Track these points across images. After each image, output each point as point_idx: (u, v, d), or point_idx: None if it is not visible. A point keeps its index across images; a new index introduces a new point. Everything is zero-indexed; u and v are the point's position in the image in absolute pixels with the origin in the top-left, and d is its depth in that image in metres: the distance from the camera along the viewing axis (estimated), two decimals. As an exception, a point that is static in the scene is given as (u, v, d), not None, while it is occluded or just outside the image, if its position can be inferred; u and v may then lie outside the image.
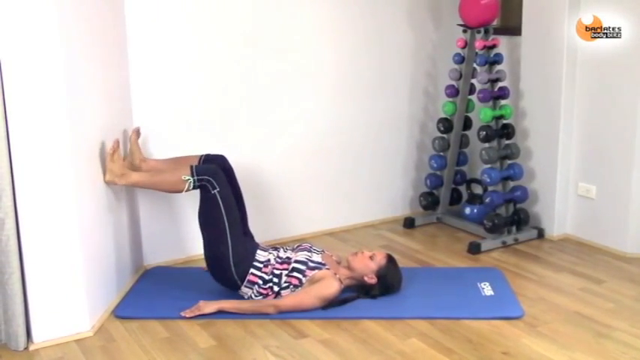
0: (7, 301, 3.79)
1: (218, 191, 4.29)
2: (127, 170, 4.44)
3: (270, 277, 4.40)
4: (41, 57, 3.63)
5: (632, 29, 5.08)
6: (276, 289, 4.39)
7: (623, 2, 5.10)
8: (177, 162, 4.67)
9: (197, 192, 4.36)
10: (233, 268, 4.35)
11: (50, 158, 3.74)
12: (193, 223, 4.76)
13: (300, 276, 4.38)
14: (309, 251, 4.59)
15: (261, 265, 4.42)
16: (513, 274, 4.98)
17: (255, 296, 4.40)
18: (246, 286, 4.39)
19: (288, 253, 4.55)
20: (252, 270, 4.39)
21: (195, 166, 4.37)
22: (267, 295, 4.40)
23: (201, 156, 4.68)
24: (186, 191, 4.33)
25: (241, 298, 4.45)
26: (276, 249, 4.64)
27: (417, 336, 4.04)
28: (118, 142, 4.32)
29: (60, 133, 3.74)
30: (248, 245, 4.54)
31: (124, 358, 3.83)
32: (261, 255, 4.49)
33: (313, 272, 4.40)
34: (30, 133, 3.66)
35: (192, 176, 4.28)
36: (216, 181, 4.30)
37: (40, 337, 3.92)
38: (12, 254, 3.71)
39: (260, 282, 4.39)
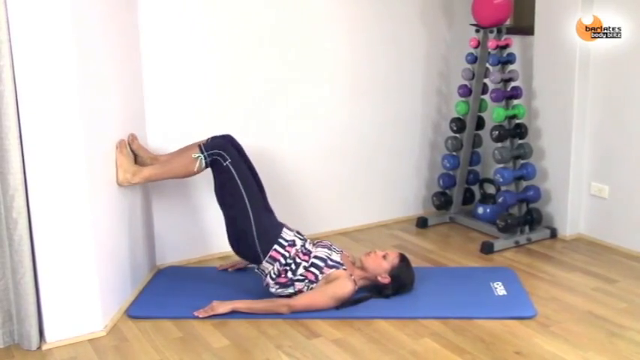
0: (20, 301, 3.81)
1: (230, 162, 4.30)
2: (138, 167, 4.45)
3: (291, 261, 4.40)
4: (53, 55, 3.64)
5: (634, 29, 5.09)
6: (290, 275, 4.38)
7: (632, 2, 5.09)
8: (186, 148, 4.66)
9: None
10: (257, 241, 4.35)
11: (63, 157, 3.75)
12: (207, 223, 4.78)
13: (317, 272, 4.38)
14: (330, 249, 4.59)
15: (285, 244, 4.42)
16: (526, 274, 4.97)
17: (274, 274, 4.39)
18: (267, 261, 4.38)
19: (310, 247, 4.56)
20: (276, 246, 4.39)
21: (203, 143, 4.39)
22: (281, 275, 4.39)
23: (208, 139, 4.67)
24: (198, 171, 4.36)
25: (261, 274, 4.46)
26: (302, 235, 4.64)
27: (430, 336, 4.03)
28: (124, 140, 4.31)
29: (73, 131, 3.75)
30: (272, 220, 4.56)
31: (136, 357, 3.83)
32: (287, 234, 4.50)
33: (330, 271, 4.40)
34: (42, 131, 3.68)
35: (202, 153, 4.30)
36: (226, 153, 4.32)
37: (52, 336, 3.93)
38: (25, 254, 3.73)
39: (281, 260, 4.38)
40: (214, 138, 4.62)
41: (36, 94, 3.63)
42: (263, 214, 4.44)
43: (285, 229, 4.53)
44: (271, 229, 4.45)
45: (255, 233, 4.35)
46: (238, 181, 4.32)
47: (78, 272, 3.92)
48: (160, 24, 4.90)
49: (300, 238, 4.57)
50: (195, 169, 4.36)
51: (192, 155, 4.32)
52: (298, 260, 4.42)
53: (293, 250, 4.43)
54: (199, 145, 4.37)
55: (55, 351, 3.89)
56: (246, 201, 4.34)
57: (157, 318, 4.29)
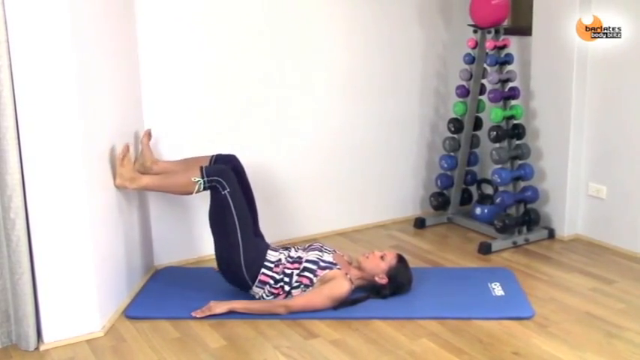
0: (18, 301, 3.80)
1: (228, 192, 4.29)
2: (137, 174, 4.45)
3: (282, 276, 4.39)
4: (52, 58, 3.64)
5: (635, 29, 5.10)
6: (287, 288, 4.39)
7: (632, 2, 5.09)
8: (187, 163, 4.66)
9: (208, 192, 4.37)
10: (244, 269, 4.35)
11: (61, 158, 3.75)
12: (204, 224, 4.76)
13: (311, 276, 4.38)
14: (321, 251, 4.58)
15: (272, 265, 4.42)
16: (524, 275, 4.97)
17: (267, 296, 4.40)
18: (257, 286, 4.39)
19: (300, 253, 4.55)
20: (263, 270, 4.39)
21: (205, 167, 4.37)
22: (278, 294, 4.40)
23: (212, 156, 4.68)
24: (196, 192, 4.33)
25: (252, 298, 4.45)
26: (286, 248, 4.63)
27: (428, 336, 4.04)
28: (128, 146, 4.34)
29: (71, 133, 3.75)
30: (259, 246, 4.54)
31: (134, 358, 3.83)
32: (271, 255, 4.48)
33: (324, 272, 4.39)
34: (41, 133, 3.68)
35: (202, 177, 4.29)
36: (226, 182, 4.30)
37: (50, 337, 3.93)
38: (22, 254, 3.73)
39: (271, 282, 4.38)
40: (218, 160, 4.65)
41: (34, 94, 3.63)
42: (252, 242, 4.43)
43: (269, 251, 4.51)
44: (257, 255, 4.44)
45: (242, 261, 4.35)
46: (233, 211, 4.32)
47: (76, 273, 3.92)
48: (158, 26, 4.90)
49: (284, 252, 4.56)
50: (193, 193, 4.35)
51: (192, 179, 4.31)
52: (288, 271, 4.42)
53: (280, 268, 4.43)
54: (201, 168, 4.34)
55: (53, 351, 3.89)
56: (238, 231, 4.33)
57: (155, 318, 4.29)
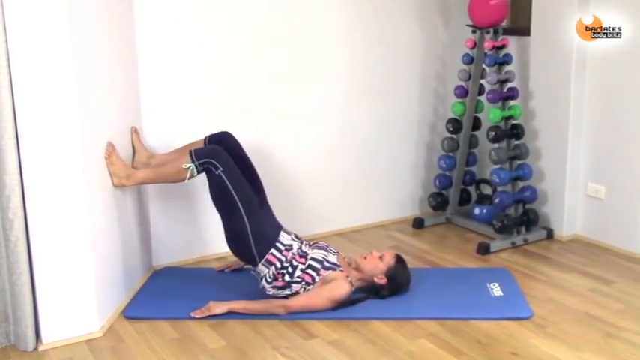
0: (16, 302, 3.80)
1: (222, 171, 4.27)
2: (132, 170, 4.46)
3: (287, 264, 4.39)
4: (50, 56, 3.63)
5: (634, 29, 5.10)
6: (287, 278, 4.37)
7: (631, 2, 5.09)
8: (182, 151, 4.62)
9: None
10: (252, 242, 4.33)
11: (60, 158, 3.75)
12: (203, 224, 4.78)
13: (314, 274, 4.38)
14: (326, 250, 4.58)
15: (282, 248, 4.41)
16: (522, 275, 4.97)
17: (269, 278, 4.38)
18: (263, 264, 4.38)
19: (307, 249, 4.55)
20: (272, 250, 4.38)
21: (194, 150, 4.36)
22: (277, 279, 4.38)
23: (205, 138, 4.67)
24: (190, 178, 4.33)
25: (257, 276, 4.45)
26: (299, 238, 4.63)
27: (426, 336, 4.04)
28: (110, 144, 4.31)
29: (70, 132, 3.75)
30: (269, 222, 4.56)
31: (133, 358, 3.83)
32: (284, 237, 4.48)
33: (327, 272, 4.39)
34: (39, 132, 3.67)
35: (193, 162, 4.28)
36: (217, 161, 4.28)
37: (49, 337, 3.93)
38: (21, 255, 3.72)
39: (277, 264, 4.37)
40: (211, 140, 4.63)
41: (32, 94, 3.62)
42: (259, 217, 4.42)
43: (282, 233, 4.52)
44: (268, 232, 4.44)
45: (250, 236, 4.33)
46: (231, 190, 4.30)
47: (74, 273, 3.92)
48: (157, 22, 4.89)
49: (297, 241, 4.56)
50: (187, 179, 4.35)
51: (183, 166, 4.30)
52: (295, 263, 4.41)
53: (289, 254, 4.42)
54: (190, 153, 4.33)
55: (52, 352, 3.89)
56: (240, 208, 4.31)
57: (154, 319, 4.29)
